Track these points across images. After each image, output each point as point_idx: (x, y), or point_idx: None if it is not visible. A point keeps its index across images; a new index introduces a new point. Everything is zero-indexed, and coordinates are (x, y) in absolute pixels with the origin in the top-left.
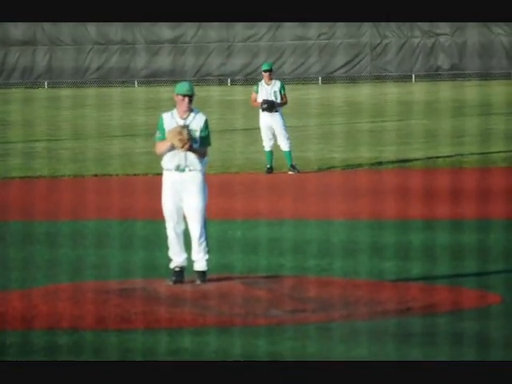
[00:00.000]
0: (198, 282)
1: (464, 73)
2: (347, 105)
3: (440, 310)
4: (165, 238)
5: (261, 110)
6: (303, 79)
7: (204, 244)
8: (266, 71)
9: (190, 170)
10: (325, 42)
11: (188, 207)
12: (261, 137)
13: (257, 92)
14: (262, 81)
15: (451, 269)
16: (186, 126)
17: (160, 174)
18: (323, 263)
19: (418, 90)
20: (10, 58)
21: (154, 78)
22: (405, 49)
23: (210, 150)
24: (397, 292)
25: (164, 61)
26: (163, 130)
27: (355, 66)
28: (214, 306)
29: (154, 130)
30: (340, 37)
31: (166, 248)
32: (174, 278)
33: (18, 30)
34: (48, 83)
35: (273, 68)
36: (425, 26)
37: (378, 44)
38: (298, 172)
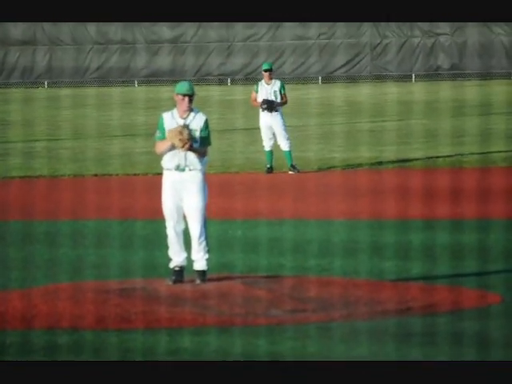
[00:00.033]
0: (198, 281)
1: (464, 72)
2: (347, 104)
3: (440, 310)
4: (164, 237)
5: (261, 110)
6: (303, 79)
7: (204, 243)
8: (266, 71)
9: (190, 170)
10: (325, 41)
11: (188, 207)
12: (261, 137)
13: (257, 92)
14: (262, 80)
15: (451, 269)
16: (186, 126)
17: (160, 174)
18: (323, 263)
19: (418, 90)
20: (9, 57)
21: (153, 78)
22: (405, 49)
23: (210, 149)
24: (397, 292)
25: (164, 60)
26: (163, 129)
27: (355, 65)
28: (214, 306)
29: (154, 129)
30: (340, 37)
31: (166, 247)
32: (173, 278)
33: (17, 29)
34: (48, 83)
35: (273, 68)
36: (425, 25)
37: (378, 44)
38: (298, 172)
